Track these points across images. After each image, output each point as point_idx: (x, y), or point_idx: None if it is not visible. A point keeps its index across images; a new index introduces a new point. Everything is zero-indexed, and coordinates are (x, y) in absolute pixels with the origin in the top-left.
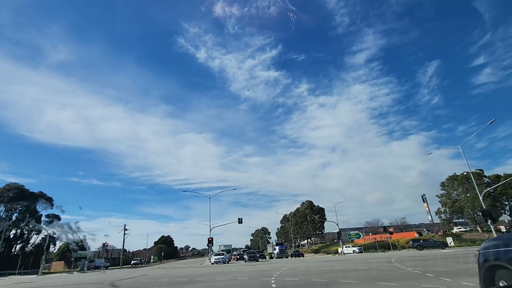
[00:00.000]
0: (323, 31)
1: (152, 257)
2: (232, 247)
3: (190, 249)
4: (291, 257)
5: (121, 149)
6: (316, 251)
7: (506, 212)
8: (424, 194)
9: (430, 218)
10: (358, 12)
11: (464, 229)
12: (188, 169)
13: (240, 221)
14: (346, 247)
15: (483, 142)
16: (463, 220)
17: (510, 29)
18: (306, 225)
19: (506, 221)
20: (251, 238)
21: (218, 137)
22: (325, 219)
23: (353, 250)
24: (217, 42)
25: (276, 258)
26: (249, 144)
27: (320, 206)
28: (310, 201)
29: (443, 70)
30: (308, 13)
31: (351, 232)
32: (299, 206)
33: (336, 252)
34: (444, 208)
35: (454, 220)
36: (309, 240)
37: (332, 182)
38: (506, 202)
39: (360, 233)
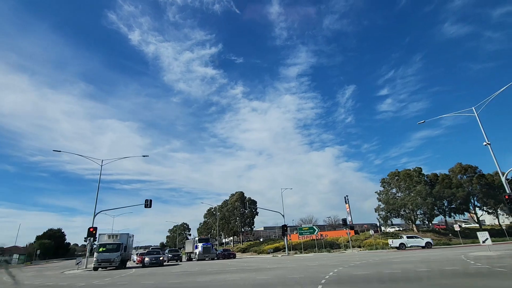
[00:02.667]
0: (263, 39)
1: (18, 256)
2: (144, 245)
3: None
4: (219, 258)
5: (20, 127)
6: (244, 250)
7: (447, 212)
8: (347, 196)
9: (350, 219)
10: (295, 29)
11: (399, 229)
12: (105, 159)
13: (148, 204)
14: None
15: (380, 159)
16: (398, 218)
17: (407, 70)
18: (234, 220)
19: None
20: (168, 234)
21: (144, 128)
22: (257, 213)
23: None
24: (154, 27)
25: (198, 259)
26: (177, 138)
27: (252, 199)
28: (241, 192)
29: (357, 95)
30: (251, 20)
31: (303, 226)
32: (227, 198)
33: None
34: (384, 205)
35: (391, 219)
36: (235, 237)
37: (255, 183)
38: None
39: (315, 227)
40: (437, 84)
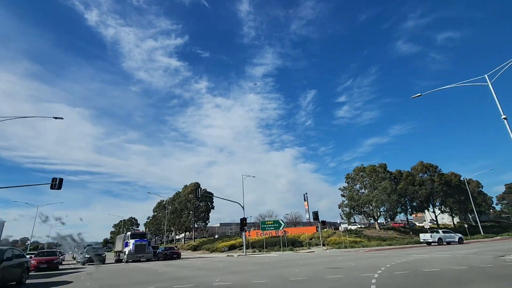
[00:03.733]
0: (231, 36)
1: None
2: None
3: (28, 242)
4: (159, 259)
5: None
6: (195, 248)
7: (408, 210)
8: (306, 193)
9: (308, 216)
10: (264, 30)
11: (360, 226)
12: (50, 146)
13: (55, 184)
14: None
15: (334, 162)
16: (361, 215)
17: (364, 80)
18: (186, 214)
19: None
20: (113, 230)
21: (97, 116)
22: (213, 207)
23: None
24: (115, 9)
25: (127, 261)
26: (134, 129)
27: (208, 191)
28: (197, 183)
29: (318, 99)
30: (220, 15)
31: (267, 219)
32: (180, 190)
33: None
34: (348, 201)
35: (354, 216)
36: (187, 233)
37: (214, 180)
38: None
39: (281, 221)
40: (388, 96)
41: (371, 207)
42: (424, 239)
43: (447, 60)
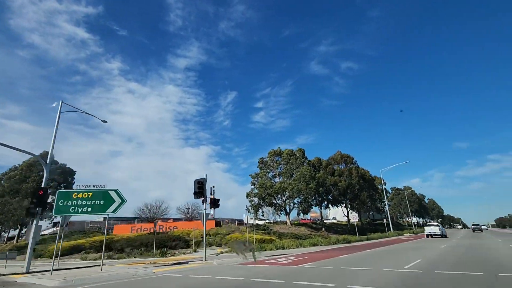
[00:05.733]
0: (155, 19)
1: None
2: None
3: None
4: None
5: None
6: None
7: (324, 204)
8: (213, 186)
9: (212, 212)
10: (192, 22)
11: (269, 221)
12: None
13: None
14: None
15: (246, 164)
16: (271, 207)
17: (280, 90)
18: (19, 200)
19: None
20: None
21: None
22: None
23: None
24: None
25: None
26: (18, 103)
27: (69, 167)
28: (45, 151)
29: (237, 101)
30: None
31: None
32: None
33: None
34: (258, 190)
35: (262, 208)
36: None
37: (118, 172)
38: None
39: (115, 193)
40: (299, 108)
41: (284, 198)
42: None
43: (347, 85)
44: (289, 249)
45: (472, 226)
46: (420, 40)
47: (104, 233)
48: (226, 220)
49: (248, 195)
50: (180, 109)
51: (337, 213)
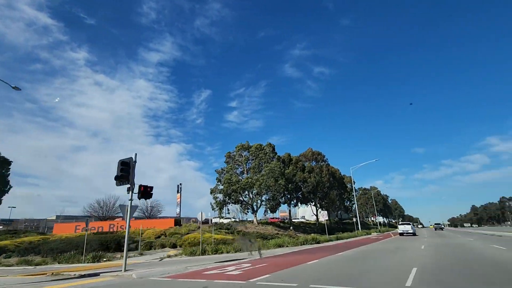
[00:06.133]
0: (126, 10)
1: None
2: None
3: None
4: None
5: None
6: None
7: (293, 202)
8: (180, 184)
9: (178, 210)
10: (166, 16)
11: (234, 219)
12: None
13: None
14: None
15: (218, 163)
16: (238, 205)
17: (255, 91)
18: None
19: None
20: None
21: None
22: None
23: None
24: None
25: None
26: None
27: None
28: None
29: (211, 100)
30: None
31: None
32: None
33: None
34: (224, 185)
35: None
36: None
37: (81, 168)
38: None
39: None
40: (272, 109)
41: (251, 195)
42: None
43: (319, 89)
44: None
45: (435, 225)
46: (386, 49)
47: (41, 233)
48: (193, 219)
49: (212, 191)
50: (151, 105)
51: (305, 212)
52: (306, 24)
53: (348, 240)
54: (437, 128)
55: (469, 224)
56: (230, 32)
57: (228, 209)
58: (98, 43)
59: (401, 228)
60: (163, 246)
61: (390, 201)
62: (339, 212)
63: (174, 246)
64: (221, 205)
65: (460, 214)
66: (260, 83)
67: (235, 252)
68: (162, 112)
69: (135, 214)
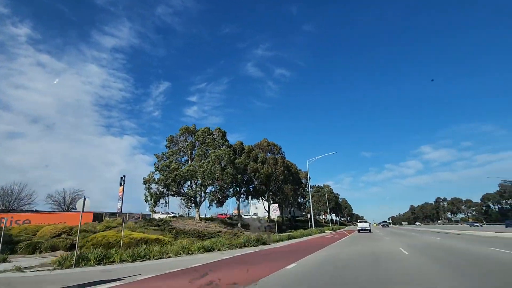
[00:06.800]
0: None
1: None
2: None
3: None
4: None
5: None
6: None
7: (242, 196)
8: (124, 176)
9: (120, 205)
10: None
11: (174, 215)
12: None
13: None
14: None
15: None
16: (180, 197)
17: (216, 87)
18: None
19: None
20: None
21: None
22: None
23: None
24: None
25: None
26: None
27: None
28: None
29: (170, 92)
30: None
31: None
32: None
33: None
34: (162, 174)
35: (166, 197)
36: None
37: (16, 157)
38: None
39: None
40: (232, 107)
41: (194, 186)
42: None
43: (278, 90)
44: (159, 258)
45: (382, 223)
46: (345, 56)
47: None
48: (137, 215)
49: (146, 181)
50: (103, 92)
51: (258, 209)
52: (270, 25)
53: (302, 239)
54: (382, 134)
55: (406, 222)
56: (193, 24)
57: (166, 202)
58: (44, 20)
59: (360, 225)
60: (54, 248)
61: (340, 200)
62: (292, 210)
63: (71, 248)
64: (156, 197)
65: (399, 213)
66: (222, 80)
67: (132, 260)
68: (115, 102)
69: (47, 208)
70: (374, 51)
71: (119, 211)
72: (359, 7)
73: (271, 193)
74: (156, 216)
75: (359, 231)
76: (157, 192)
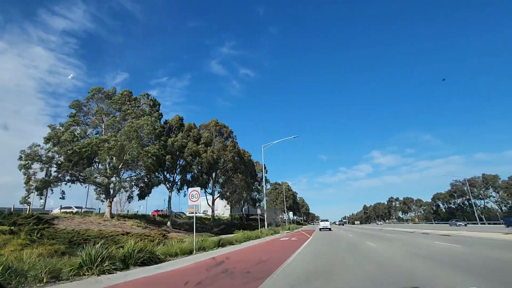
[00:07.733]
0: None
1: None
2: None
3: None
4: None
5: None
6: None
7: (176, 185)
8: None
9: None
10: None
11: (77, 210)
12: None
13: None
14: None
15: None
16: (82, 184)
17: (178, 83)
18: None
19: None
20: None
21: None
22: None
23: None
24: None
25: None
26: None
27: None
28: None
29: (128, 84)
30: None
31: None
32: None
33: None
34: (56, 148)
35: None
36: None
37: None
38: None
39: None
40: (194, 103)
41: (104, 169)
42: None
43: (242, 90)
44: None
45: (339, 222)
46: (308, 59)
47: None
48: (76, 209)
49: (23, 158)
50: (50, 79)
51: (208, 206)
52: (237, 24)
53: (240, 247)
54: (337, 138)
55: (359, 222)
56: (156, 13)
57: (63, 192)
58: None
59: (322, 224)
60: None
61: (298, 199)
62: (247, 207)
63: None
64: (43, 184)
65: (353, 213)
66: (185, 75)
67: None
68: (65, 90)
69: None
70: (338, 55)
71: (41, 207)
72: (327, 10)
73: (217, 185)
74: (55, 211)
75: (320, 229)
76: (45, 178)
